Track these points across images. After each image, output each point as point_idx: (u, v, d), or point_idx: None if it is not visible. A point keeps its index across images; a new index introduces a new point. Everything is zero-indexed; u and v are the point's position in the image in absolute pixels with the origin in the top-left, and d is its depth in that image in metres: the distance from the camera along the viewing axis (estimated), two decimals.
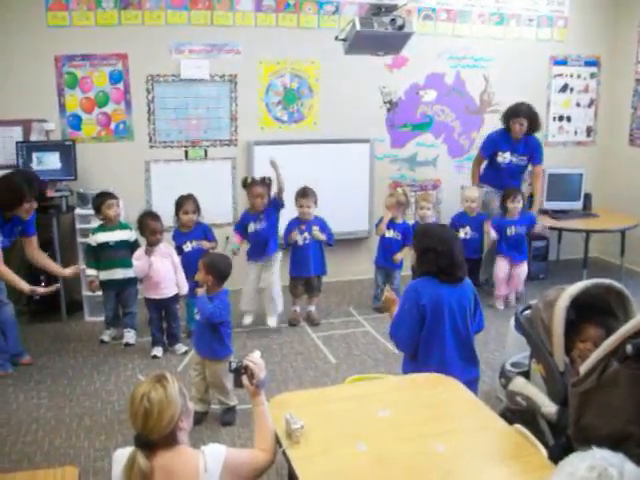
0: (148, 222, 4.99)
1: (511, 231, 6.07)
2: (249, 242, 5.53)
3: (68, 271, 4.91)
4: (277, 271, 5.58)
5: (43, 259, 4.94)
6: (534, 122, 6.27)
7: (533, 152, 6.36)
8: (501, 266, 6.14)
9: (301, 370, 4.85)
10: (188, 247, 5.29)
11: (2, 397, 4.40)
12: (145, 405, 2.11)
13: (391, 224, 5.88)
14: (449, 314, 3.41)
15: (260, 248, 5.48)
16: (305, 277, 5.73)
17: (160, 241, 5.02)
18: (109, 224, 5.21)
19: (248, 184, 5.50)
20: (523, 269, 6.21)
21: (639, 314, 2.85)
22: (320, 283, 5.85)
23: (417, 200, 6.02)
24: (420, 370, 3.29)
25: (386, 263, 5.95)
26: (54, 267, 4.96)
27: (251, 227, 5.46)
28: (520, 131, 6.21)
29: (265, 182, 5.42)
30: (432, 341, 3.42)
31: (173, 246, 5.28)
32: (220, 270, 4.09)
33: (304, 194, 5.61)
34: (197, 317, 4.10)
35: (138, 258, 4.94)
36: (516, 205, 6.06)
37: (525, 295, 6.19)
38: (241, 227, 5.55)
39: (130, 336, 5.28)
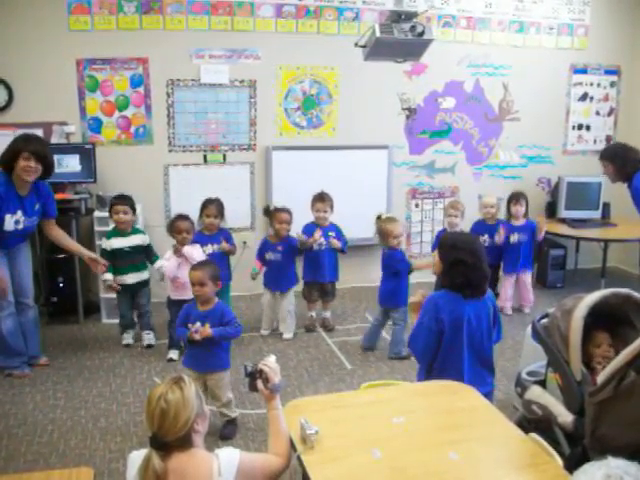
0: (174, 221, 5.03)
1: (514, 239, 6.07)
2: (266, 269, 5.59)
3: (87, 254, 4.85)
4: (292, 291, 5.64)
5: (64, 239, 4.87)
6: (616, 165, 5.21)
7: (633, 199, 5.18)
8: (507, 285, 6.25)
9: (316, 376, 4.84)
10: (209, 250, 5.27)
11: (19, 398, 4.43)
12: (162, 406, 2.11)
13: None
14: (467, 329, 3.32)
15: (274, 277, 5.56)
16: (319, 283, 5.72)
17: (187, 241, 4.99)
18: (121, 229, 5.19)
19: (271, 211, 5.52)
20: (525, 278, 6.25)
21: None
22: (334, 289, 5.84)
23: (446, 208, 5.98)
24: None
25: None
26: (75, 247, 4.91)
27: (269, 255, 5.52)
28: (609, 176, 5.38)
29: (288, 210, 5.46)
30: (449, 356, 3.34)
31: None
32: (219, 273, 4.07)
33: (321, 198, 5.59)
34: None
35: (167, 259, 4.95)
36: (518, 208, 6.10)
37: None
38: (261, 255, 5.59)
39: (149, 338, 5.31)
